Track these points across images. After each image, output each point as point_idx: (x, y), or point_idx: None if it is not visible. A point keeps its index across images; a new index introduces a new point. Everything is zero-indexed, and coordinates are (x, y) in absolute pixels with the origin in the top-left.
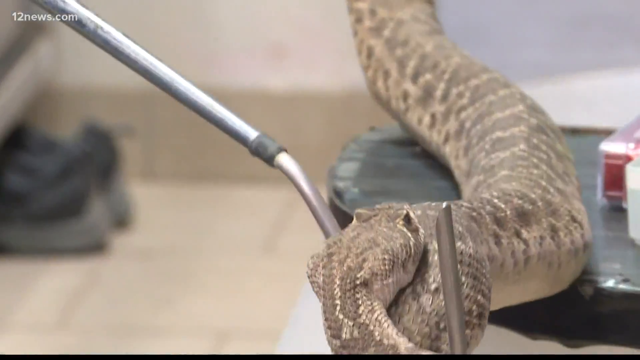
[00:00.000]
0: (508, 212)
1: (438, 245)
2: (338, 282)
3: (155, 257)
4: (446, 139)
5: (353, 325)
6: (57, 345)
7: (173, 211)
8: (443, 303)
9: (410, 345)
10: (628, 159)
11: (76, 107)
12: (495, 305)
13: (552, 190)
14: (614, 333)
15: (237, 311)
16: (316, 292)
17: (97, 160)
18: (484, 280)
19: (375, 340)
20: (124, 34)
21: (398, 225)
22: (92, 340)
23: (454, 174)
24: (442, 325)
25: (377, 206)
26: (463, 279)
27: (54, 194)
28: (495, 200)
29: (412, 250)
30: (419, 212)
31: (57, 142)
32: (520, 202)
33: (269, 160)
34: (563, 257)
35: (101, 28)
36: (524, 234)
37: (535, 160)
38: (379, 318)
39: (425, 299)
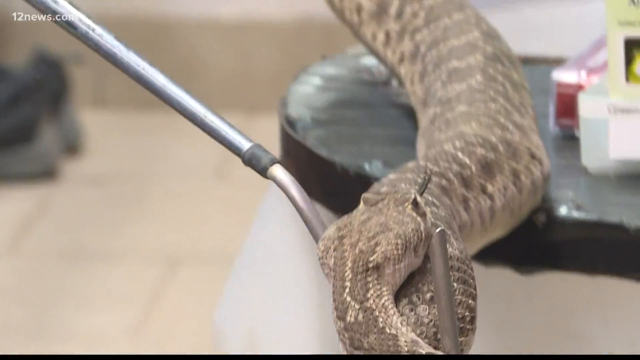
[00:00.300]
0: (473, 168)
1: (432, 268)
2: (350, 265)
3: (106, 183)
4: (401, 60)
5: (359, 309)
6: (8, 271)
7: (124, 137)
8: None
9: (411, 337)
10: (580, 87)
11: (26, 35)
12: None
13: (510, 127)
14: (567, 260)
15: (189, 237)
16: (326, 274)
17: (48, 87)
18: (471, 281)
19: (377, 327)
20: (116, 37)
21: (407, 210)
22: (43, 266)
23: (410, 99)
24: (439, 336)
25: (383, 190)
26: (455, 285)
27: (5, 121)
28: (460, 155)
29: (423, 235)
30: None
31: (7, 70)
32: (483, 152)
33: (262, 171)
34: (524, 199)
35: (93, 30)
36: (489, 188)
37: (492, 92)
38: (386, 304)
39: (422, 310)
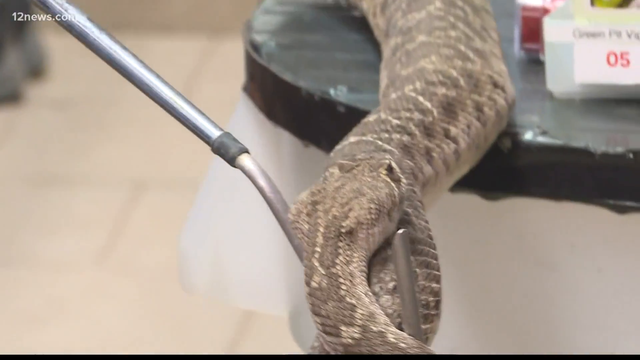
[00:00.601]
0: (435, 112)
1: (395, 269)
2: (322, 231)
3: (70, 106)
4: None
5: (324, 274)
6: None
7: (88, 61)
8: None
9: (370, 310)
10: (545, 11)
11: None
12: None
13: (471, 55)
14: (533, 185)
15: (155, 161)
16: (300, 239)
17: (10, 10)
18: (434, 262)
19: (338, 295)
20: (89, 19)
21: (381, 175)
22: (7, 190)
23: (374, 33)
24: (403, 326)
25: (358, 157)
26: (417, 270)
27: None
28: (421, 100)
29: (397, 199)
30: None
31: None
32: (444, 90)
33: (230, 161)
34: (489, 131)
35: (66, 10)
36: (452, 131)
37: (451, 19)
38: (354, 272)
39: (385, 300)
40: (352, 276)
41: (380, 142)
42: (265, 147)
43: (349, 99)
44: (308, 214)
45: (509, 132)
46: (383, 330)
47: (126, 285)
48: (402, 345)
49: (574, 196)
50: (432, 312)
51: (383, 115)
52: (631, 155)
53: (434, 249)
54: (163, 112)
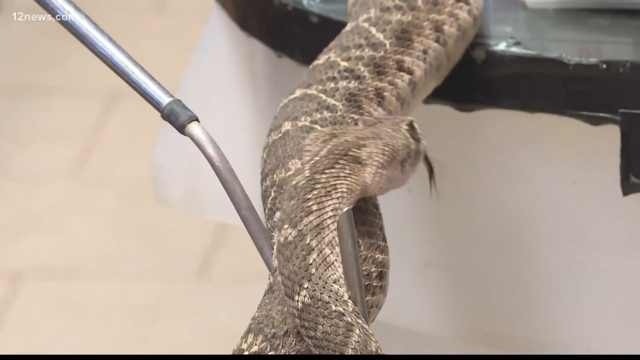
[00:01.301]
0: (387, 45)
1: (340, 247)
2: (330, 147)
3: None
4: None
5: (307, 179)
6: None
7: None
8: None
9: (323, 280)
10: None
11: None
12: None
13: None
14: (507, 97)
15: None
16: (306, 161)
17: None
18: (378, 233)
19: (302, 254)
20: None
21: (402, 129)
22: None
23: None
24: None
25: (382, 117)
26: (359, 240)
27: None
28: (373, 31)
29: (413, 153)
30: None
31: None
32: (399, 16)
33: (180, 128)
34: (451, 49)
35: None
36: (407, 61)
37: None
38: (329, 225)
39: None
40: (321, 227)
41: (324, 97)
42: (238, 57)
43: (321, 9)
44: (324, 141)
45: (482, 43)
46: (327, 300)
47: (100, 197)
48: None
49: (547, 108)
50: (375, 284)
51: (332, 57)
52: (604, 66)
53: (380, 219)
54: (135, 21)
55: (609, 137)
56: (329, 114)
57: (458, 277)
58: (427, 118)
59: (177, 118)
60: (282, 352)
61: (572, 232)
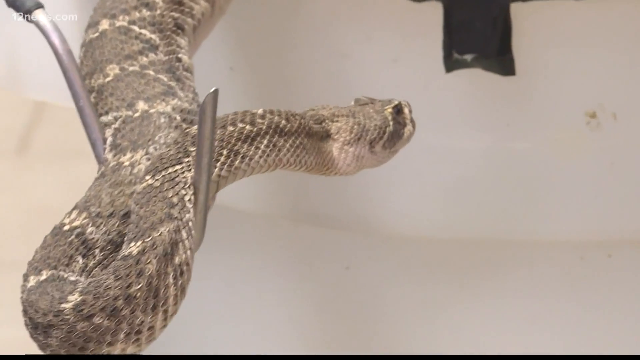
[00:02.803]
0: None
1: (199, 128)
2: (310, 114)
3: None
4: None
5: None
6: None
7: None
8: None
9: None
10: None
11: None
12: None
13: None
14: None
15: None
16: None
17: None
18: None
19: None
20: None
21: (386, 112)
22: None
23: None
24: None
25: (375, 99)
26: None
27: None
28: None
29: (386, 136)
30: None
31: None
32: None
33: (25, 14)
34: None
35: None
36: None
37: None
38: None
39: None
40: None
41: (136, 28)
42: None
43: None
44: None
45: None
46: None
47: None
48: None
49: None
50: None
51: None
52: None
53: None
54: None
55: (432, 13)
56: (149, 12)
57: None
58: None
59: (24, 3)
60: (103, 230)
61: None
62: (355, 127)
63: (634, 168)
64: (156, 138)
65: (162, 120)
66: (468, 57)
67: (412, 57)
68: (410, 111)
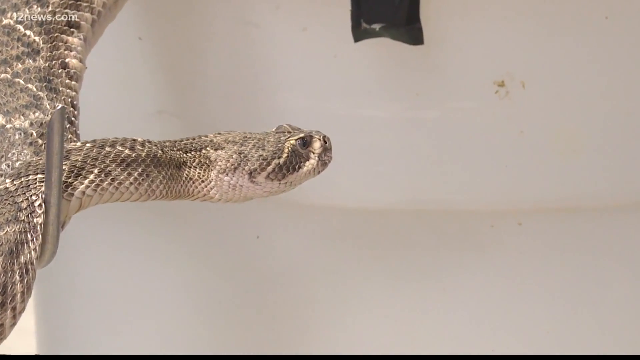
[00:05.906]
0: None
1: (48, 143)
2: (196, 139)
3: None
4: None
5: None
6: None
7: None
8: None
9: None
10: None
11: None
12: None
13: None
14: None
15: None
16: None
17: None
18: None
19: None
20: None
21: (287, 142)
22: None
23: None
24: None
25: (295, 128)
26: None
27: None
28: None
29: (270, 167)
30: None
31: None
32: None
33: None
34: None
35: None
36: None
37: None
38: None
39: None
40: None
41: (22, 28)
42: None
43: None
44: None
45: None
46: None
47: None
48: None
49: None
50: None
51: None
52: None
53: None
54: None
55: None
56: (39, 9)
57: (188, 125)
58: None
59: None
60: None
61: (306, 79)
62: (234, 155)
63: (543, 136)
64: (9, 155)
65: (17, 136)
66: (376, 26)
67: (321, 26)
68: (323, 146)
